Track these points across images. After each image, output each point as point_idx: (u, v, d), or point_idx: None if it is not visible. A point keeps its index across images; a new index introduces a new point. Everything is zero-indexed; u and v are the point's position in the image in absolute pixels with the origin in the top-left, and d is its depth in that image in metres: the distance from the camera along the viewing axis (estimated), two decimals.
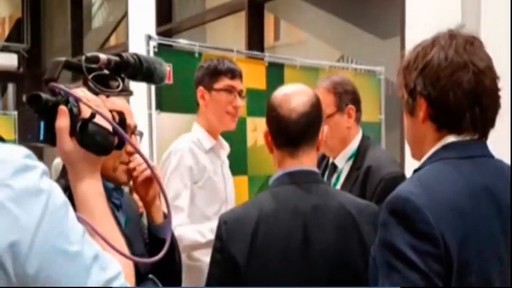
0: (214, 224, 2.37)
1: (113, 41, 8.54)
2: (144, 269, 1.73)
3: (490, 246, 1.34)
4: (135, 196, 2.05)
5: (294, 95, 1.80)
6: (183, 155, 2.52)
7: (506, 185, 1.40)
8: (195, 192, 2.54)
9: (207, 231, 2.46)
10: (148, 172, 1.78)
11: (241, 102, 2.67)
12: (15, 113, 8.16)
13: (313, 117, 1.79)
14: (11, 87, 10.69)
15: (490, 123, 1.44)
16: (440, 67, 1.39)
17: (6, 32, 10.59)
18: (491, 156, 1.46)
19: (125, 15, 7.14)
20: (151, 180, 1.81)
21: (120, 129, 1.16)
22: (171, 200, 2.33)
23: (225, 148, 2.75)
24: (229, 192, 2.71)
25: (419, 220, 1.28)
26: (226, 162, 2.76)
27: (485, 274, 1.32)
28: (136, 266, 1.66)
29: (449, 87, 1.38)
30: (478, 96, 1.38)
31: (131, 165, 1.79)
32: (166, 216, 1.88)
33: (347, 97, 2.50)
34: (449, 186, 1.34)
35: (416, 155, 1.53)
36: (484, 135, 1.44)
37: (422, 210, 1.28)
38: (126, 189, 1.98)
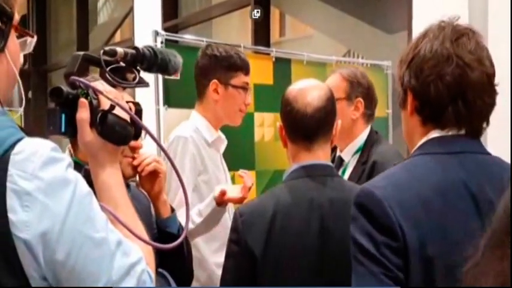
0: (202, 206, 2.34)
1: (118, 36, 8.55)
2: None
3: (463, 242, 1.30)
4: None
5: (309, 90, 1.82)
6: (186, 142, 2.41)
7: (489, 181, 1.35)
8: (201, 188, 2.46)
9: (194, 215, 2.34)
10: (151, 167, 1.81)
11: (250, 99, 2.61)
12: (21, 109, 8.16)
13: (328, 111, 1.81)
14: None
15: (477, 118, 1.39)
16: (425, 59, 1.37)
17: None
18: (482, 153, 1.42)
19: (130, 11, 7.13)
20: (156, 175, 1.83)
21: (139, 120, 1.20)
22: (175, 194, 2.29)
23: (224, 142, 2.64)
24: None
25: (378, 213, 1.28)
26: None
27: (452, 271, 1.29)
28: None
29: (431, 80, 1.36)
30: (461, 89, 1.35)
31: (135, 162, 1.81)
32: (173, 210, 1.91)
33: (358, 89, 2.51)
34: (421, 181, 1.33)
35: (410, 149, 1.53)
36: (473, 130, 1.40)
37: (383, 203, 1.28)
38: (133, 183, 1.99)
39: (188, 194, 2.33)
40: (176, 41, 3.54)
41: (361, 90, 2.52)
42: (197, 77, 2.57)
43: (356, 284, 1.30)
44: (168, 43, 3.21)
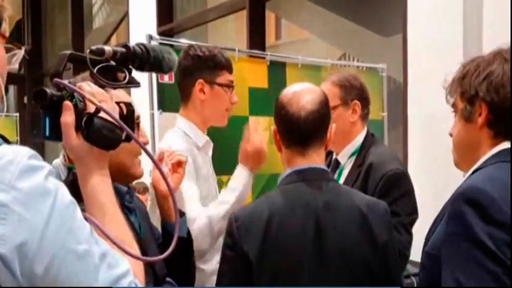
0: (231, 183, 2.37)
1: (113, 41, 8.55)
2: (162, 272, 1.71)
3: None
4: (141, 196, 2.02)
5: (303, 93, 1.81)
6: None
7: None
8: None
9: (226, 194, 2.36)
10: (176, 159, 1.76)
11: (236, 97, 2.56)
12: (17, 114, 8.18)
13: (322, 114, 1.80)
14: (12, 89, 10.70)
15: None
16: (506, 76, 1.45)
17: (7, 34, 10.56)
18: None
19: (126, 15, 7.13)
20: (174, 171, 1.78)
21: (122, 124, 1.14)
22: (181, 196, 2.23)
23: (211, 144, 2.59)
24: (217, 191, 2.61)
25: (495, 209, 1.30)
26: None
27: None
28: (154, 269, 1.64)
29: None
30: None
31: (159, 154, 1.75)
32: (182, 214, 1.85)
33: (353, 92, 2.50)
34: None
35: (463, 163, 1.58)
36: None
37: (497, 200, 1.31)
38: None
39: (196, 192, 2.35)
40: (171, 45, 3.52)
41: (356, 92, 2.51)
42: (180, 79, 2.51)
43: (467, 281, 1.28)
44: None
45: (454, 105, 1.56)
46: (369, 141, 2.51)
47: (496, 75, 1.46)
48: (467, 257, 1.30)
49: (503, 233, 1.28)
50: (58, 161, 5.49)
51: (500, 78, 1.45)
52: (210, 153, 2.60)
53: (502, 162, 1.44)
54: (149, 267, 1.57)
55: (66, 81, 1.13)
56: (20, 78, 9.78)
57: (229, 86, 2.50)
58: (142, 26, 6.33)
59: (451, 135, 1.60)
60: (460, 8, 3.23)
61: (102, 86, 1.18)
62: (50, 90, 1.12)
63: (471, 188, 1.36)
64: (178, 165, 1.81)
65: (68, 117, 1.12)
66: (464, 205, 1.33)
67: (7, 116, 8.41)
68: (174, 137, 2.45)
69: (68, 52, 1.18)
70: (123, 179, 1.65)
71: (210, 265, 2.38)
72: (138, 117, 1.67)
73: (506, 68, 1.46)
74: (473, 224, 1.30)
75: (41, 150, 8.88)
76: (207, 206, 2.43)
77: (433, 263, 1.40)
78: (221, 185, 3.02)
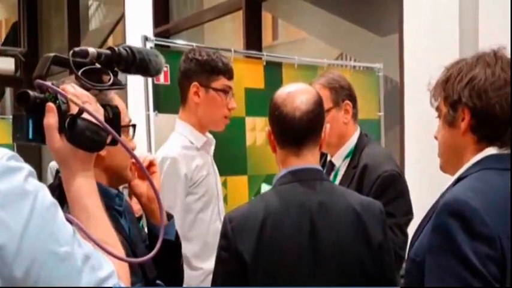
0: None
1: (110, 42, 8.53)
2: (152, 274, 1.70)
3: None
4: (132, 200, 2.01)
5: (297, 94, 1.81)
6: (175, 163, 2.39)
7: None
8: (190, 203, 2.44)
9: None
10: (148, 160, 1.74)
11: (234, 103, 2.57)
12: None
13: (317, 114, 1.80)
14: (8, 92, 10.67)
15: None
16: (488, 81, 1.44)
17: (3, 36, 10.57)
18: None
19: (122, 17, 7.12)
20: (152, 172, 1.76)
21: (106, 125, 1.13)
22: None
23: (213, 142, 2.62)
24: (219, 188, 2.63)
25: (478, 222, 1.30)
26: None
27: None
28: (144, 270, 1.63)
29: (496, 101, 1.43)
30: None
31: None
32: (170, 217, 1.81)
33: (343, 92, 2.50)
34: (498, 193, 1.37)
35: (448, 167, 1.57)
36: None
37: (480, 212, 1.30)
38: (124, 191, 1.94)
39: (179, 213, 2.35)
40: (168, 46, 3.52)
41: (345, 92, 2.52)
42: (179, 81, 2.55)
43: None
44: (159, 48, 3.19)
45: (437, 109, 1.56)
46: (363, 142, 2.51)
47: (479, 80, 1.45)
48: (451, 272, 1.30)
49: (486, 247, 1.28)
50: (55, 163, 5.49)
51: (483, 83, 1.44)
52: (212, 151, 2.62)
53: (485, 170, 1.44)
54: (139, 269, 1.56)
55: (49, 83, 1.12)
56: (16, 81, 9.76)
57: (225, 91, 2.52)
58: (139, 27, 6.32)
59: (436, 138, 1.60)
60: (456, 8, 3.22)
61: (87, 89, 1.17)
62: (32, 92, 1.11)
63: (455, 200, 1.35)
64: (152, 165, 1.79)
65: (51, 119, 1.11)
66: (448, 217, 1.33)
67: (3, 118, 8.39)
68: (172, 144, 2.48)
69: (52, 54, 1.17)
70: (115, 182, 1.64)
71: (209, 264, 2.38)
72: (130, 121, 1.64)
73: (489, 73, 1.45)
74: (458, 238, 1.30)
75: (38, 152, 8.86)
76: (206, 204, 2.47)
77: (417, 270, 1.40)
78: None
